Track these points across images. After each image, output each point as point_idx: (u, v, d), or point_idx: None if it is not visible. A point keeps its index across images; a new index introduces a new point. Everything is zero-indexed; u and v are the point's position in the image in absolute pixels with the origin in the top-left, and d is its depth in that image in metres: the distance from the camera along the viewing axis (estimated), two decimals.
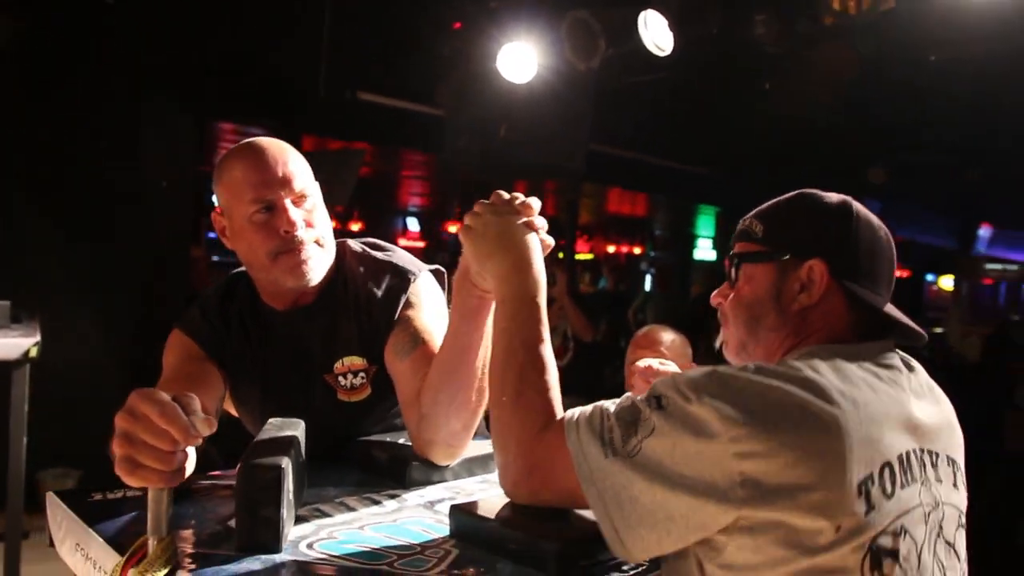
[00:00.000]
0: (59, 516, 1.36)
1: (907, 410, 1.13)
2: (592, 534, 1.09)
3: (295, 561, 1.10)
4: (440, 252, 13.67)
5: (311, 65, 5.13)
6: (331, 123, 6.32)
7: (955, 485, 1.18)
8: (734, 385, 1.06)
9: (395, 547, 1.17)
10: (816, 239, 1.24)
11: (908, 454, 1.09)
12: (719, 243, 14.21)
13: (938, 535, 1.11)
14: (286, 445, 1.24)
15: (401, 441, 1.62)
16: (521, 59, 4.36)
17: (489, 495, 1.44)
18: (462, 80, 4.78)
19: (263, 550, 1.12)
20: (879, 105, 5.89)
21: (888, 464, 1.06)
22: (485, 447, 1.63)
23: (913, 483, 1.08)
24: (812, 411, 1.03)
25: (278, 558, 1.11)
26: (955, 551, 1.15)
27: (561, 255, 12.88)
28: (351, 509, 1.34)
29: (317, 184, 1.64)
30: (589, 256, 14.81)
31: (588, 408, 1.15)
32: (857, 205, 1.27)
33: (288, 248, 1.55)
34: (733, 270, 1.31)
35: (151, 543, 1.03)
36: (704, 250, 14.59)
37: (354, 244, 1.78)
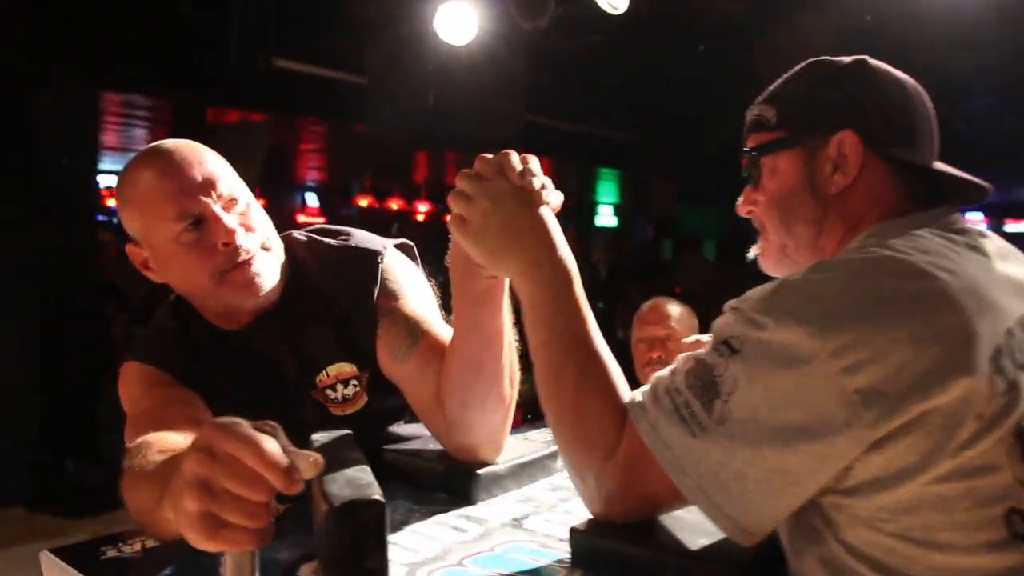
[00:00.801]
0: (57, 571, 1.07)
1: (1003, 271, 0.98)
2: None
3: None
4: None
5: (221, 28, 4.70)
6: (238, 93, 5.88)
7: None
8: (809, 292, 0.90)
9: None
10: (838, 108, 1.09)
11: None
12: (622, 209, 14.36)
13: None
14: (361, 471, 1.02)
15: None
16: (460, 19, 4.10)
17: (580, 505, 1.25)
18: (393, 44, 4.48)
19: None
20: None
21: (1011, 331, 0.90)
22: (538, 445, 1.45)
23: None
24: (910, 292, 0.87)
25: None
26: None
27: None
28: (431, 538, 1.13)
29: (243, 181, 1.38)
30: None
31: (650, 385, 0.98)
32: (873, 61, 1.12)
33: (233, 263, 1.30)
34: (752, 168, 1.14)
35: None
36: (606, 216, 14.67)
37: (299, 235, 1.53)
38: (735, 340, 0.91)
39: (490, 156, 1.11)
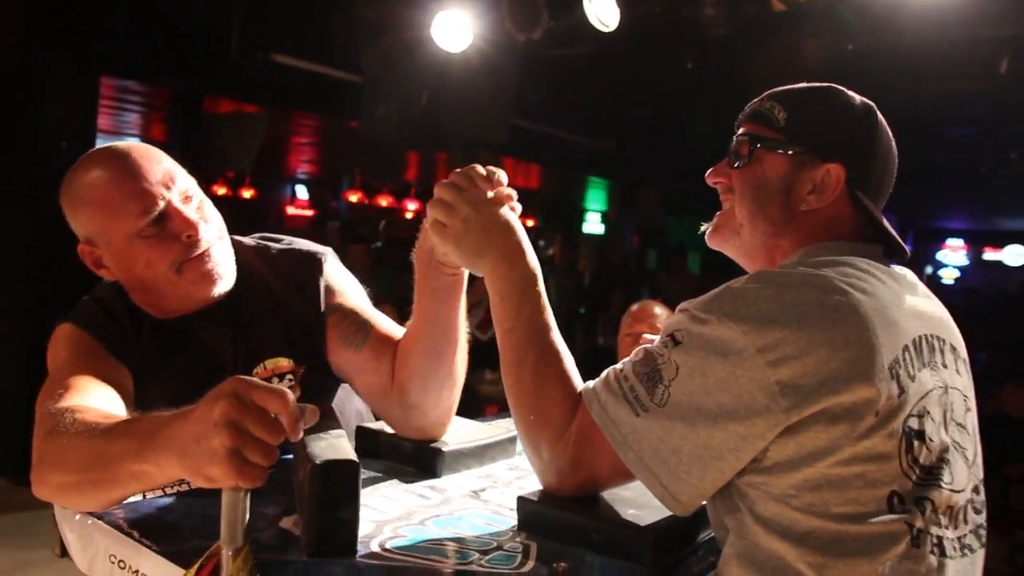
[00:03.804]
0: (80, 526, 1.18)
1: (909, 300, 1.13)
2: (680, 517, 1.08)
3: (383, 566, 1.03)
4: (330, 220, 13.32)
5: (223, 22, 4.82)
6: (236, 85, 5.98)
7: (958, 372, 1.17)
8: (747, 296, 1.05)
9: (471, 543, 1.11)
10: (840, 142, 1.21)
11: (920, 339, 1.09)
12: (609, 216, 14.52)
13: (950, 417, 1.12)
14: (340, 438, 1.16)
15: None
16: (456, 27, 4.24)
17: (533, 482, 1.39)
18: (390, 47, 4.61)
19: (339, 553, 1.03)
20: None
21: (907, 347, 1.06)
22: (500, 430, 1.58)
23: (925, 367, 1.08)
24: (829, 304, 1.02)
25: (363, 562, 1.03)
26: (967, 431, 1.16)
27: None
28: (398, 502, 1.27)
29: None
30: None
31: (603, 375, 1.13)
32: (878, 112, 1.25)
33: (192, 253, 1.38)
34: (740, 150, 1.25)
35: (225, 554, 0.91)
36: (593, 224, 14.85)
37: (245, 239, 1.62)
38: (679, 333, 1.06)
39: (464, 172, 1.27)
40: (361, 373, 1.52)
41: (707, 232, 1.33)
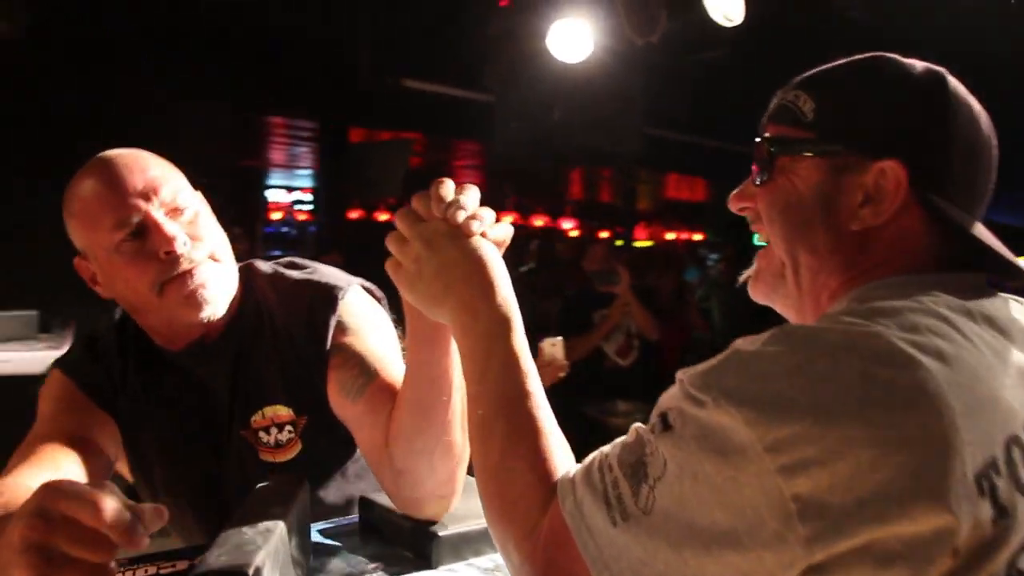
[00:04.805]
0: None
1: (1021, 358, 0.75)
2: None
3: None
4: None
5: (350, 51, 4.86)
6: (376, 113, 6.07)
7: None
8: (757, 368, 0.72)
9: None
10: (894, 130, 0.86)
11: None
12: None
13: None
14: (265, 531, 0.94)
15: None
16: (574, 36, 4.00)
17: None
18: (511, 62, 4.45)
19: None
20: None
21: (1012, 442, 0.68)
22: None
23: None
24: (882, 380, 0.67)
25: None
26: None
27: (620, 243, 12.49)
28: None
29: (197, 192, 1.32)
30: (649, 243, 14.30)
31: (589, 458, 0.83)
32: (952, 79, 0.88)
33: (173, 273, 1.22)
34: (762, 161, 0.92)
35: None
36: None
37: (263, 265, 1.45)
38: (671, 414, 0.76)
39: (424, 196, 0.99)
40: (359, 427, 1.30)
41: (748, 282, 1.00)
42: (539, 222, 12.43)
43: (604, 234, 12.99)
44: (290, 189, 11.95)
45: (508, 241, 1.02)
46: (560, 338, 3.31)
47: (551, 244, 8.56)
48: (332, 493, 1.43)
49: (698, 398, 0.73)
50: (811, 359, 0.70)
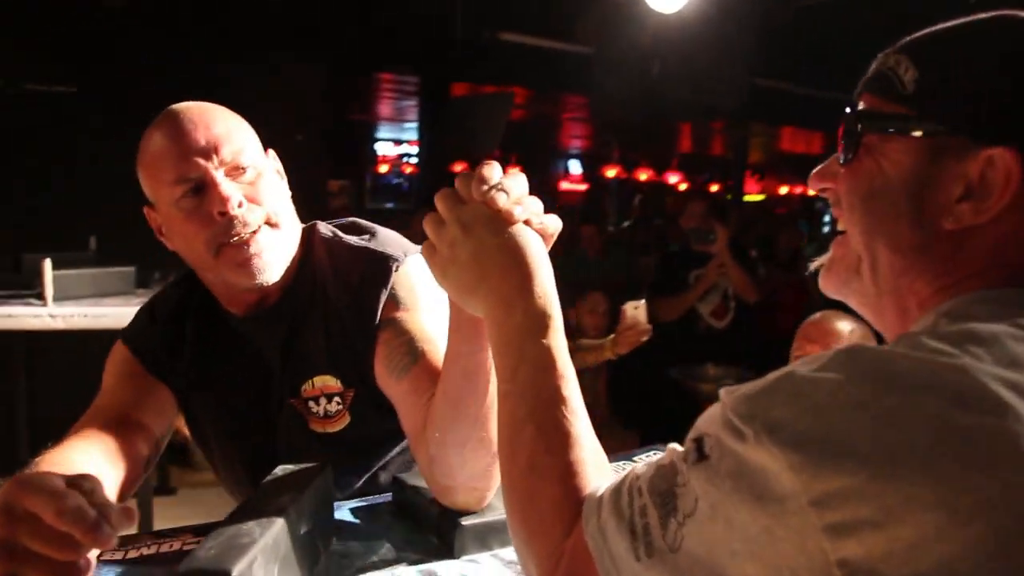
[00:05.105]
0: None
1: None
2: None
3: None
4: (602, 194, 13.18)
5: (446, 6, 4.80)
6: (476, 68, 6.00)
7: None
8: (812, 397, 0.60)
9: None
10: (1011, 112, 0.71)
11: None
12: None
13: None
14: (266, 523, 0.92)
15: None
16: None
17: None
18: (605, 13, 4.27)
19: None
20: None
21: None
22: None
23: None
24: (962, 427, 0.56)
25: None
26: None
27: (729, 196, 12.03)
28: None
29: (267, 152, 1.30)
30: (760, 197, 13.70)
31: (620, 477, 0.74)
32: None
33: (230, 236, 1.21)
34: (848, 137, 0.79)
35: None
36: None
37: (324, 228, 1.40)
38: (707, 441, 0.66)
39: (468, 177, 0.91)
40: (401, 406, 1.26)
41: (820, 272, 0.87)
42: (643, 175, 12.14)
43: (714, 187, 12.56)
44: (397, 142, 12.13)
45: (556, 235, 0.93)
46: (643, 301, 3.18)
47: (655, 198, 8.34)
48: (383, 470, 1.41)
49: (739, 429, 0.63)
50: (877, 395, 0.59)
